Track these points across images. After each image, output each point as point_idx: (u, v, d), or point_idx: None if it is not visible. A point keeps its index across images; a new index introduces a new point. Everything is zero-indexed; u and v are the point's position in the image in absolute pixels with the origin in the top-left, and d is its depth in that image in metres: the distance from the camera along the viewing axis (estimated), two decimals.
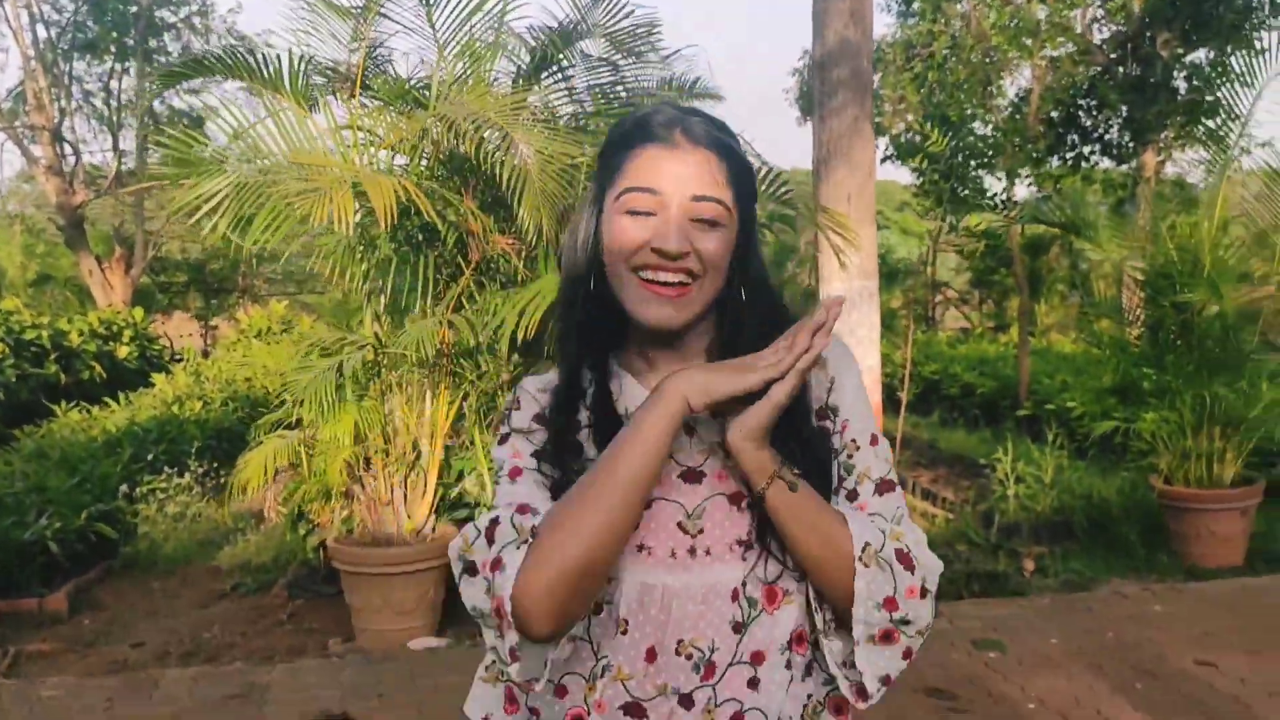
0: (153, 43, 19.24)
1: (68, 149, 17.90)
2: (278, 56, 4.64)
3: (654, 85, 5.33)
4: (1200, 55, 12.83)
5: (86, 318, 14.13)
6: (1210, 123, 10.96)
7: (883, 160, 15.33)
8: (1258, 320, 6.30)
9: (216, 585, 6.21)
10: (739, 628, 1.20)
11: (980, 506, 7.45)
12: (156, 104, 18.98)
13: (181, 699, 4.03)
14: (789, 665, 1.22)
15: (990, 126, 13.75)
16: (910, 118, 15.24)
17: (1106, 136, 14.11)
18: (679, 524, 1.22)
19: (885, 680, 1.20)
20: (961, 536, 6.96)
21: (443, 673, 4.30)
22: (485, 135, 4.23)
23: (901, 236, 25.30)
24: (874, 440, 1.26)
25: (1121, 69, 13.21)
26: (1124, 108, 13.12)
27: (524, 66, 5.02)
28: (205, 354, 17.25)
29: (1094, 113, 13.71)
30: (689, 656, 1.19)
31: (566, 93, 5.10)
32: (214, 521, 7.43)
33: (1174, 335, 6.20)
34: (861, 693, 1.21)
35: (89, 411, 9.50)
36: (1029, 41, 11.23)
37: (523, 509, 1.17)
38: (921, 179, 13.41)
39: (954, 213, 13.77)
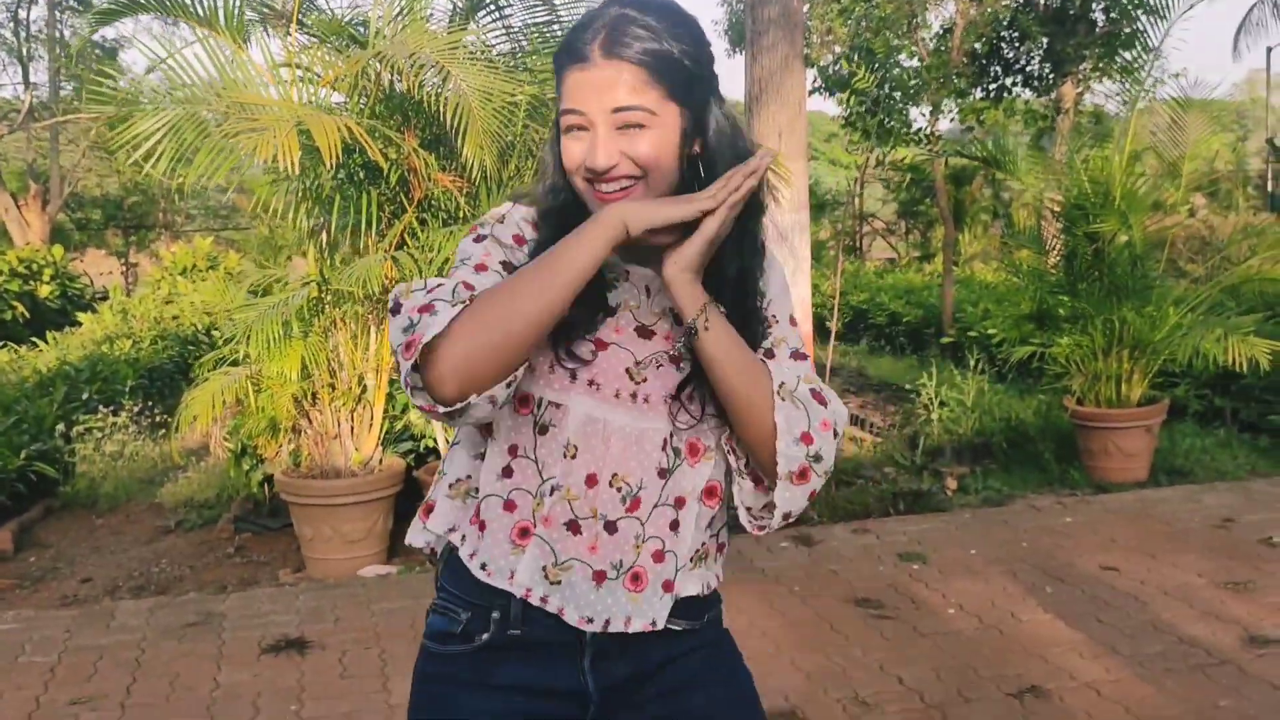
0: None
1: None
2: None
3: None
4: None
5: (6, 256, 13.78)
6: (1126, 54, 11.29)
7: (811, 92, 15.50)
8: (1165, 248, 6.63)
9: (160, 522, 6.27)
10: (663, 473, 1.36)
11: (906, 430, 7.77)
12: (66, 33, 18.33)
13: (140, 628, 4.14)
14: (698, 515, 1.39)
15: (916, 59, 13.96)
16: (839, 49, 15.38)
17: (1028, 68, 14.39)
18: (626, 369, 1.36)
19: (787, 516, 1.36)
20: (889, 459, 7.27)
21: (396, 597, 4.46)
22: (425, 73, 4.28)
23: (830, 168, 25.57)
24: (792, 321, 1.46)
25: (1043, 0, 13.45)
26: (1044, 39, 13.39)
27: (459, 4, 5.05)
28: (128, 292, 16.91)
29: (1016, 44, 13.97)
30: (619, 489, 1.34)
31: (504, 31, 5.16)
32: (152, 460, 7.45)
33: (1086, 264, 6.51)
34: (762, 527, 1.39)
35: (17, 351, 9.36)
36: None
37: (468, 285, 1.27)
38: (849, 111, 13.60)
39: (880, 145, 14.02)
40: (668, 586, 1.37)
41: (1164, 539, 4.97)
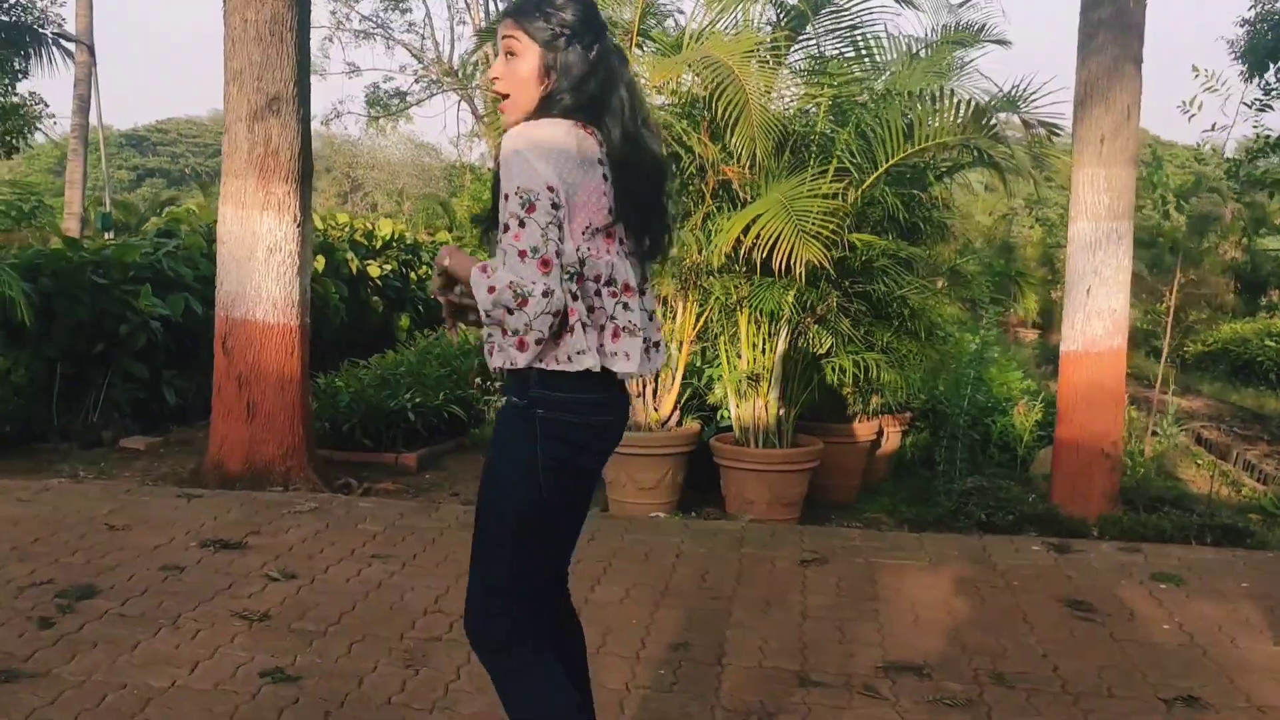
0: None
1: None
2: None
3: (926, 34, 5.71)
4: None
5: None
6: None
7: None
8: None
9: None
10: None
11: None
12: None
13: (449, 521, 5.15)
14: None
15: None
16: None
17: None
18: None
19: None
20: (1257, 506, 6.62)
21: (657, 535, 5.08)
22: (716, 74, 4.85)
23: None
24: (506, 197, 1.82)
25: None
26: None
27: (779, 19, 5.56)
28: None
29: None
30: None
31: (814, 41, 5.58)
32: None
33: None
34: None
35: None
36: None
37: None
38: None
39: None
40: None
41: None
